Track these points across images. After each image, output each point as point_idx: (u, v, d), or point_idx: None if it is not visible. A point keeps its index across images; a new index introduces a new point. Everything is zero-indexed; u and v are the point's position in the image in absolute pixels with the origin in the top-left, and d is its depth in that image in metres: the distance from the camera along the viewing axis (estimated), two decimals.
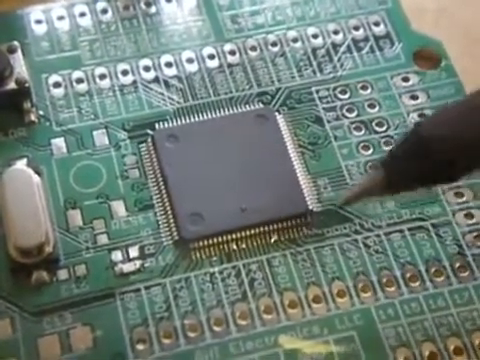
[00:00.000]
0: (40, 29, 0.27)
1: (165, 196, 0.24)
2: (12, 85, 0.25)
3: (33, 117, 0.25)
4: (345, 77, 0.26)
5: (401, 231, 0.24)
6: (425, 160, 0.19)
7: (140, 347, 0.22)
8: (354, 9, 0.28)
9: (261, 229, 0.23)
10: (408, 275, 0.23)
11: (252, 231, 0.23)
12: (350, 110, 0.26)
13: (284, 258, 0.23)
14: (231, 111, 0.25)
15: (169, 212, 0.23)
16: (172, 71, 0.26)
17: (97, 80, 0.26)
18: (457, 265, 0.23)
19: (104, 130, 0.25)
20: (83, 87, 0.26)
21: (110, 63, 0.26)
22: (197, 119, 0.25)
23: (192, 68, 0.26)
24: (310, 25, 0.27)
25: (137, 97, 0.26)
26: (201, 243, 0.23)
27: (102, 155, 0.25)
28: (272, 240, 0.23)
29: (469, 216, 0.24)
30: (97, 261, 0.23)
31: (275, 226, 0.23)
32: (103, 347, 0.22)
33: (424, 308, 0.22)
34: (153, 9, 0.27)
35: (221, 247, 0.23)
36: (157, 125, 0.25)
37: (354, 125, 0.25)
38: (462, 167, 0.20)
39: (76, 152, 0.25)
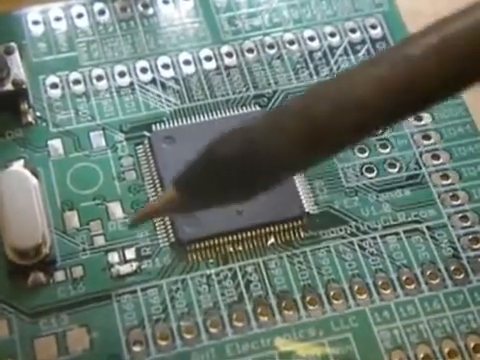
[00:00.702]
0: (37, 30, 0.27)
1: None
2: (9, 86, 0.25)
3: (30, 118, 0.25)
4: None
5: (397, 234, 0.24)
6: (215, 179, 0.18)
7: (136, 349, 0.22)
8: (351, 12, 0.28)
9: (257, 231, 0.23)
10: (403, 278, 0.23)
11: (248, 233, 0.23)
12: None
13: (280, 260, 0.23)
14: (228, 113, 0.25)
15: None
16: (169, 73, 0.26)
17: (94, 81, 0.26)
18: (452, 268, 0.23)
19: (101, 132, 0.25)
20: (80, 88, 0.26)
21: (107, 64, 0.26)
22: (194, 121, 0.25)
23: (189, 70, 0.26)
24: (307, 27, 0.27)
25: (134, 99, 0.26)
26: (197, 245, 0.23)
27: (99, 157, 0.25)
28: (268, 242, 0.23)
29: (464, 219, 0.24)
30: (94, 263, 0.23)
31: (271, 228, 0.23)
32: (99, 349, 0.22)
33: (419, 311, 0.23)
34: (150, 11, 0.28)
35: (217, 249, 0.23)
36: (154, 127, 0.25)
37: None
38: (253, 187, 0.19)
39: (73, 153, 0.25)
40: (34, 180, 0.23)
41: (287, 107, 0.18)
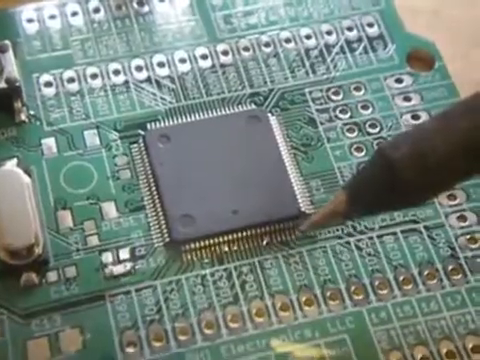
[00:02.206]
0: (32, 28, 0.27)
1: (156, 197, 0.24)
2: (2, 84, 0.24)
3: (23, 117, 0.25)
4: (338, 78, 0.26)
5: (394, 233, 0.24)
6: (391, 186, 0.19)
7: (130, 350, 0.21)
8: (347, 10, 0.28)
9: (253, 231, 0.23)
10: (401, 278, 0.23)
11: (244, 233, 0.23)
12: (343, 111, 0.26)
13: (276, 260, 0.23)
14: (223, 112, 0.25)
15: (160, 213, 0.23)
16: (164, 71, 0.26)
17: (89, 80, 0.26)
18: (450, 268, 0.23)
19: (95, 130, 0.25)
20: (74, 87, 0.26)
21: (102, 63, 0.26)
22: (189, 119, 0.25)
23: (184, 68, 0.26)
24: (303, 26, 0.27)
25: (129, 97, 0.26)
26: (192, 245, 0.23)
27: (93, 155, 0.24)
28: (264, 242, 0.23)
29: (462, 219, 0.24)
30: (87, 263, 0.23)
31: (267, 228, 0.23)
32: (93, 350, 0.21)
33: (417, 311, 0.22)
34: (146, 8, 0.27)
35: (212, 249, 0.23)
36: (149, 125, 0.25)
37: (347, 127, 0.25)
38: (428, 192, 0.19)
39: (67, 152, 0.24)
40: (27, 179, 0.23)
41: (456, 108, 0.19)
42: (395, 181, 0.19)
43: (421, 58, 0.27)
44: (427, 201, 0.20)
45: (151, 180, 0.24)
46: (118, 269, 0.23)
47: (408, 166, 0.19)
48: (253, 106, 0.25)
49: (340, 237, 0.23)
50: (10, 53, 0.25)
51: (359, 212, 0.21)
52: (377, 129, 0.25)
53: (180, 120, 0.25)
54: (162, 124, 0.25)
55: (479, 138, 0.19)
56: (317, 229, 0.23)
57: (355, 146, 0.25)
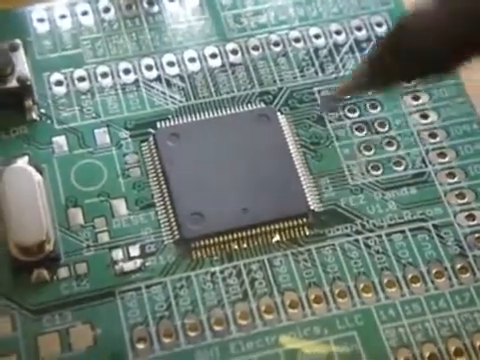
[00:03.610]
0: (42, 27, 0.27)
1: (166, 195, 0.24)
2: (14, 83, 0.25)
3: (35, 115, 0.25)
4: (347, 77, 0.26)
5: (402, 232, 0.24)
6: (408, 56, 0.19)
7: (140, 346, 0.22)
8: (357, 9, 0.28)
9: (262, 229, 0.23)
10: (409, 276, 0.23)
11: (253, 231, 0.23)
12: (352, 110, 0.26)
13: (285, 258, 0.23)
14: (233, 111, 0.25)
15: (170, 211, 0.23)
16: (174, 70, 0.26)
17: (99, 79, 0.26)
18: (458, 266, 0.23)
19: (105, 129, 0.25)
20: (85, 85, 0.26)
21: (112, 62, 0.26)
22: (199, 118, 0.25)
23: (194, 67, 0.26)
24: (312, 25, 0.27)
25: (139, 96, 0.26)
26: (202, 242, 0.23)
27: (103, 154, 0.25)
28: (273, 240, 0.23)
29: (470, 217, 0.24)
30: (98, 259, 0.23)
31: (276, 226, 0.23)
32: (103, 346, 0.22)
33: (425, 309, 0.22)
34: (155, 8, 0.27)
35: (222, 246, 0.23)
36: (159, 124, 0.25)
37: (356, 125, 0.25)
38: (448, 58, 0.19)
39: (77, 150, 0.25)
40: (38, 177, 0.23)
41: None
42: (410, 50, 0.19)
43: None
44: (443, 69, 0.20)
45: (161, 178, 0.24)
46: (128, 266, 0.23)
47: (415, 28, 0.19)
48: (262, 105, 0.26)
49: (349, 235, 0.23)
50: (21, 52, 0.25)
51: (381, 82, 0.21)
52: (386, 128, 0.25)
53: (190, 119, 0.25)
54: (172, 123, 0.25)
55: None
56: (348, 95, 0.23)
57: (364, 145, 0.25)
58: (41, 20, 0.27)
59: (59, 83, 0.26)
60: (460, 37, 0.19)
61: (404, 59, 0.19)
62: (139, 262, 0.23)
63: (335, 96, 0.22)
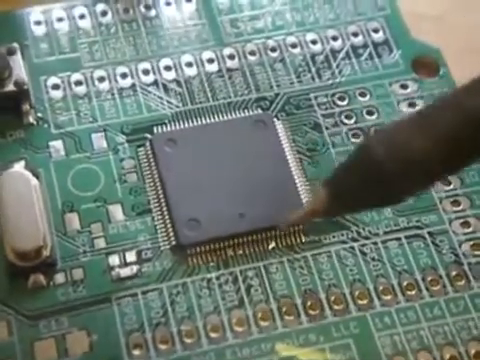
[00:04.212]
0: (39, 30, 0.27)
1: (163, 201, 0.24)
2: (11, 87, 0.25)
3: (31, 119, 0.25)
4: (343, 83, 0.26)
5: (398, 239, 0.24)
6: (375, 181, 0.19)
7: (136, 352, 0.22)
8: (353, 15, 0.28)
9: (259, 235, 0.23)
10: (404, 283, 0.23)
11: (249, 237, 0.23)
12: (348, 117, 0.26)
13: (281, 265, 0.23)
14: (230, 116, 0.25)
15: (167, 217, 0.23)
16: (171, 75, 0.26)
17: (96, 83, 0.26)
18: (453, 274, 0.23)
19: (102, 133, 0.25)
20: (82, 89, 0.26)
21: (109, 66, 0.26)
22: (195, 124, 0.25)
23: (191, 72, 0.26)
24: (309, 31, 0.27)
25: (136, 100, 0.26)
26: (198, 249, 0.23)
27: (100, 158, 0.25)
28: (270, 247, 0.23)
29: (466, 225, 0.24)
30: (94, 265, 0.23)
31: (273, 233, 0.23)
32: (99, 352, 0.22)
33: (420, 317, 0.22)
34: (153, 12, 0.27)
35: (218, 253, 0.23)
36: (155, 129, 0.25)
37: (352, 132, 0.25)
38: (414, 187, 0.19)
39: (74, 155, 0.25)
40: (35, 181, 0.23)
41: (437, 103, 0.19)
42: (379, 175, 0.19)
43: (426, 64, 0.27)
44: (409, 196, 0.20)
45: (158, 183, 0.24)
46: (125, 272, 0.23)
47: (392, 160, 0.19)
48: (259, 111, 0.26)
49: (345, 242, 0.24)
50: (18, 56, 0.25)
51: (339, 210, 0.21)
52: None
53: (186, 124, 0.25)
54: (169, 128, 0.25)
55: (459, 132, 0.18)
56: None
57: None
58: (38, 23, 0.27)
59: (56, 87, 0.26)
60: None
61: (371, 189, 0.19)
62: (135, 268, 0.23)
63: (285, 229, 0.22)
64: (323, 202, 0.20)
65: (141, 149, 0.25)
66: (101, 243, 0.23)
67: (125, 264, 0.23)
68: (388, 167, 0.19)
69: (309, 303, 0.23)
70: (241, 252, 0.23)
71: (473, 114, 0.18)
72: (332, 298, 0.23)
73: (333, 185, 0.20)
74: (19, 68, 0.25)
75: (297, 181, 0.24)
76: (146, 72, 0.26)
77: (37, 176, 0.24)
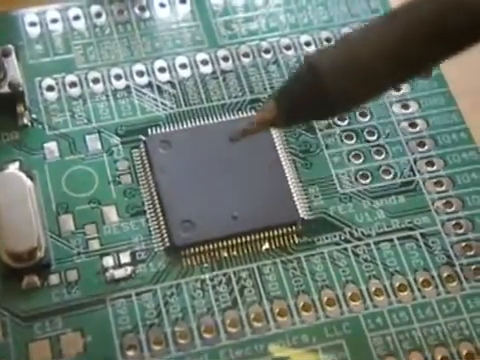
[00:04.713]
0: (34, 32, 0.27)
1: (157, 202, 0.24)
2: (5, 88, 0.25)
3: (26, 121, 0.25)
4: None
5: (390, 240, 0.24)
6: (319, 92, 0.19)
7: (130, 353, 0.22)
8: (347, 17, 0.28)
9: (252, 237, 0.23)
10: (397, 284, 0.23)
11: (243, 239, 0.23)
12: (341, 118, 0.26)
13: (274, 266, 0.23)
14: (223, 118, 0.25)
15: (161, 218, 0.24)
16: (165, 76, 0.26)
17: (90, 84, 0.26)
18: (445, 275, 0.23)
19: (97, 135, 0.25)
20: (76, 91, 0.26)
21: (103, 67, 0.26)
22: (190, 125, 0.25)
23: (185, 74, 0.26)
24: (303, 33, 0.27)
25: (130, 102, 0.26)
26: (192, 250, 0.23)
27: (94, 160, 0.25)
28: (263, 248, 0.23)
29: (458, 226, 0.24)
30: (88, 266, 0.23)
31: (266, 234, 0.23)
32: (93, 353, 0.22)
33: (412, 317, 0.23)
34: (147, 14, 0.28)
35: (212, 254, 0.23)
36: (150, 130, 0.25)
37: (345, 133, 0.26)
38: (356, 98, 0.20)
39: (69, 156, 0.25)
40: (29, 183, 0.23)
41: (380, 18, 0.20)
42: (321, 88, 0.19)
43: None
44: (352, 108, 0.21)
45: (152, 185, 0.24)
46: (119, 273, 0.23)
47: (333, 73, 0.19)
48: (253, 112, 0.26)
49: (337, 243, 0.24)
50: (13, 57, 0.25)
51: (286, 121, 0.21)
52: (375, 136, 0.26)
53: (181, 126, 0.25)
54: (163, 129, 0.25)
55: (401, 46, 0.19)
56: (245, 137, 0.22)
57: (353, 153, 0.25)
58: (33, 24, 0.27)
59: (51, 88, 0.26)
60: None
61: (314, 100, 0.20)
62: (130, 269, 0.23)
63: (236, 138, 0.22)
64: (272, 112, 0.20)
65: (135, 151, 0.25)
66: (95, 244, 0.23)
67: (119, 265, 0.23)
68: (330, 82, 0.19)
69: (302, 304, 0.23)
70: (235, 253, 0.23)
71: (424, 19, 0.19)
72: (325, 299, 0.23)
73: (280, 97, 0.20)
74: (14, 69, 0.25)
75: (290, 183, 0.24)
76: (140, 74, 0.26)
77: (31, 177, 0.24)
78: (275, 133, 0.25)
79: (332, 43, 0.20)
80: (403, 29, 0.19)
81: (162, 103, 0.26)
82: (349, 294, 0.23)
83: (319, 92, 0.19)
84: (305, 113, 0.20)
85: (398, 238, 0.24)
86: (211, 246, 0.23)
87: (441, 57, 0.19)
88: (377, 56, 0.19)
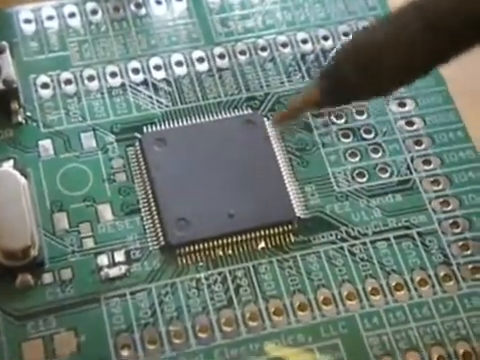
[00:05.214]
0: (29, 29, 0.27)
1: (152, 201, 0.24)
2: (0, 86, 0.24)
3: (20, 118, 0.25)
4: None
5: (387, 239, 0.24)
6: (360, 67, 0.19)
7: (124, 353, 0.22)
8: (344, 15, 0.28)
9: (248, 235, 0.23)
10: (393, 284, 0.23)
11: (239, 237, 0.23)
12: (338, 117, 0.26)
13: (270, 265, 0.23)
14: (219, 116, 0.25)
15: (156, 217, 0.23)
16: (161, 74, 0.26)
17: (85, 82, 0.26)
18: (442, 274, 0.23)
19: (92, 132, 0.25)
20: (71, 88, 0.26)
21: (99, 65, 0.26)
22: (185, 123, 0.25)
23: (181, 71, 0.26)
24: (300, 30, 0.27)
25: (125, 100, 0.26)
26: (187, 249, 0.23)
27: (89, 158, 0.24)
28: (259, 247, 0.23)
29: (455, 225, 0.24)
30: (83, 265, 0.23)
31: (262, 233, 0.23)
32: (87, 352, 0.21)
33: (409, 317, 0.22)
34: (143, 11, 0.27)
35: (207, 253, 0.23)
36: (145, 128, 0.25)
37: (342, 132, 0.25)
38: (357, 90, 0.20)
39: (63, 154, 0.24)
40: (23, 180, 0.23)
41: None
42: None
43: None
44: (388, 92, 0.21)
45: (147, 183, 0.24)
46: (113, 272, 0.23)
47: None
48: (249, 110, 0.26)
49: (334, 242, 0.24)
50: (7, 54, 0.25)
51: (328, 100, 0.21)
52: (372, 135, 0.25)
53: (176, 124, 0.25)
54: (158, 127, 0.25)
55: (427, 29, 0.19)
56: (290, 121, 0.22)
57: (350, 151, 0.25)
58: (28, 21, 0.27)
59: (45, 86, 0.26)
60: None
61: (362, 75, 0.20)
62: (124, 268, 0.23)
63: (277, 122, 0.22)
64: (313, 93, 0.20)
65: (130, 148, 0.25)
66: (90, 243, 0.23)
67: (114, 264, 0.23)
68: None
69: (298, 303, 0.23)
70: (230, 252, 0.23)
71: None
72: (321, 298, 0.23)
73: (326, 74, 0.20)
74: (8, 66, 0.25)
75: (286, 181, 0.24)
76: (136, 71, 0.26)
77: (26, 175, 0.24)
78: (271, 131, 0.25)
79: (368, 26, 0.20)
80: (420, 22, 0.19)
81: (157, 101, 0.26)
82: (345, 293, 0.23)
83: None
84: (346, 92, 0.20)
85: (395, 237, 0.24)
86: (206, 245, 0.23)
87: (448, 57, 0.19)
88: (386, 48, 0.19)
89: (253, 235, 0.23)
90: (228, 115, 0.25)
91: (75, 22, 0.27)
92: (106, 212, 0.24)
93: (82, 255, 0.23)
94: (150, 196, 0.24)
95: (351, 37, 0.20)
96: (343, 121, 0.26)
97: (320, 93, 0.20)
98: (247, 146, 0.25)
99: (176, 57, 0.26)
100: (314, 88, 0.20)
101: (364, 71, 0.19)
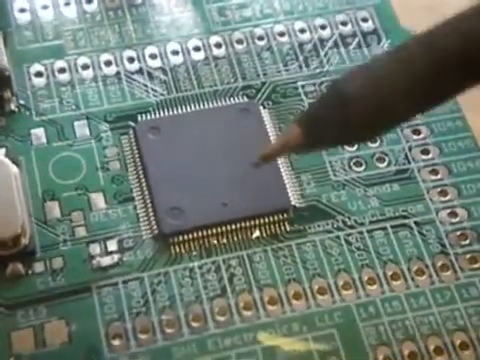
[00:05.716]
0: (23, 17, 0.27)
1: (145, 189, 0.23)
2: None
3: (13, 106, 0.25)
4: (331, 72, 0.26)
5: (384, 229, 0.23)
6: (344, 119, 0.19)
7: (116, 342, 0.21)
8: (342, 4, 0.27)
9: (242, 224, 0.23)
10: (390, 273, 0.23)
11: (233, 226, 0.23)
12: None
13: (265, 254, 0.23)
14: (215, 104, 0.25)
15: (149, 205, 0.23)
16: (156, 63, 0.26)
17: (80, 70, 0.26)
18: (439, 264, 0.23)
19: (85, 121, 0.25)
20: (65, 77, 0.25)
21: (93, 53, 0.26)
22: (180, 112, 0.25)
23: (177, 60, 0.26)
24: (298, 19, 0.27)
25: (120, 88, 0.25)
26: (181, 237, 0.23)
27: (83, 146, 0.24)
28: (253, 236, 0.23)
29: (453, 215, 0.24)
30: (74, 254, 0.22)
31: (257, 221, 0.23)
32: (78, 342, 0.21)
33: (405, 307, 0.22)
34: (139, 0, 0.27)
35: (201, 242, 0.23)
36: (139, 117, 0.25)
37: None
38: (382, 125, 0.19)
39: (56, 143, 0.24)
40: (15, 169, 0.23)
41: (409, 43, 0.19)
42: (349, 114, 0.19)
43: None
44: (375, 135, 0.20)
45: (140, 172, 0.24)
46: (106, 261, 0.22)
47: (362, 98, 0.19)
48: (245, 99, 0.25)
49: (330, 231, 0.23)
50: (1, 42, 0.25)
51: (312, 145, 0.20)
52: None
53: (171, 112, 0.25)
54: (153, 116, 0.25)
55: (434, 71, 0.18)
56: (269, 162, 0.21)
57: None
58: (22, 10, 0.27)
59: (39, 74, 0.25)
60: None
61: (340, 126, 0.19)
62: (117, 257, 0.22)
63: (260, 162, 0.21)
64: (296, 136, 0.20)
65: (124, 137, 0.24)
66: (82, 232, 0.23)
67: (106, 253, 0.22)
68: (355, 105, 0.19)
69: (293, 292, 0.22)
70: (224, 241, 0.23)
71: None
72: (316, 288, 0.22)
73: (306, 121, 0.20)
74: (1, 55, 0.25)
75: (282, 170, 0.24)
76: (131, 60, 0.26)
77: (17, 164, 0.23)
78: (267, 120, 0.25)
79: (357, 67, 0.19)
80: (427, 62, 0.18)
81: (152, 89, 0.25)
82: (341, 283, 0.22)
83: (344, 117, 0.19)
84: (330, 138, 0.20)
85: (392, 226, 0.23)
86: (200, 233, 0.23)
87: (462, 90, 0.19)
88: (399, 87, 0.18)
89: (248, 224, 0.23)
90: (224, 104, 0.25)
91: (70, 11, 0.27)
92: (99, 200, 0.23)
93: (74, 244, 0.23)
94: (143, 185, 0.23)
95: (354, 78, 0.19)
96: None
97: (304, 136, 0.19)
98: (243, 135, 0.24)
99: (172, 46, 0.26)
100: (296, 131, 0.20)
101: (376, 120, 0.19)
